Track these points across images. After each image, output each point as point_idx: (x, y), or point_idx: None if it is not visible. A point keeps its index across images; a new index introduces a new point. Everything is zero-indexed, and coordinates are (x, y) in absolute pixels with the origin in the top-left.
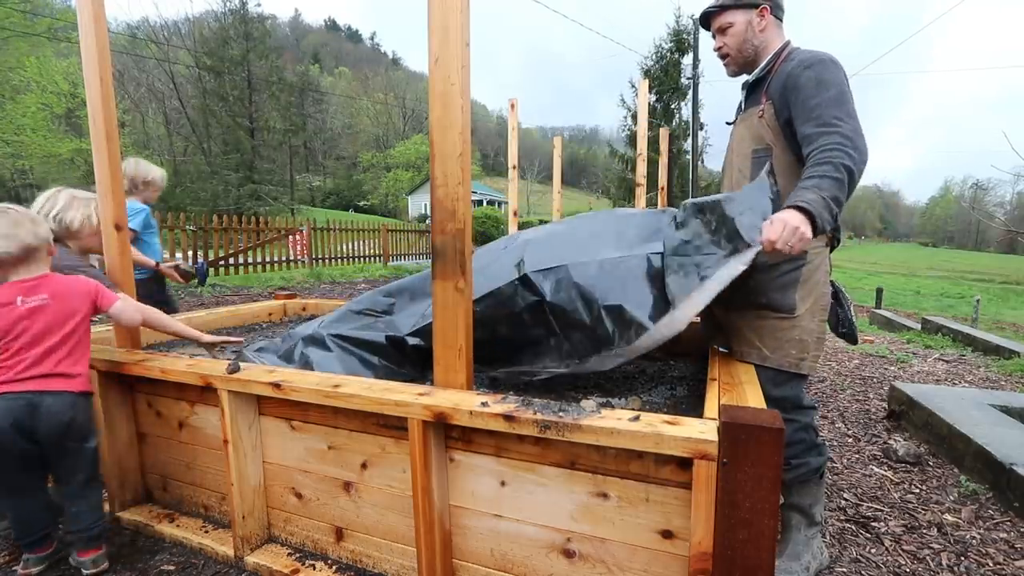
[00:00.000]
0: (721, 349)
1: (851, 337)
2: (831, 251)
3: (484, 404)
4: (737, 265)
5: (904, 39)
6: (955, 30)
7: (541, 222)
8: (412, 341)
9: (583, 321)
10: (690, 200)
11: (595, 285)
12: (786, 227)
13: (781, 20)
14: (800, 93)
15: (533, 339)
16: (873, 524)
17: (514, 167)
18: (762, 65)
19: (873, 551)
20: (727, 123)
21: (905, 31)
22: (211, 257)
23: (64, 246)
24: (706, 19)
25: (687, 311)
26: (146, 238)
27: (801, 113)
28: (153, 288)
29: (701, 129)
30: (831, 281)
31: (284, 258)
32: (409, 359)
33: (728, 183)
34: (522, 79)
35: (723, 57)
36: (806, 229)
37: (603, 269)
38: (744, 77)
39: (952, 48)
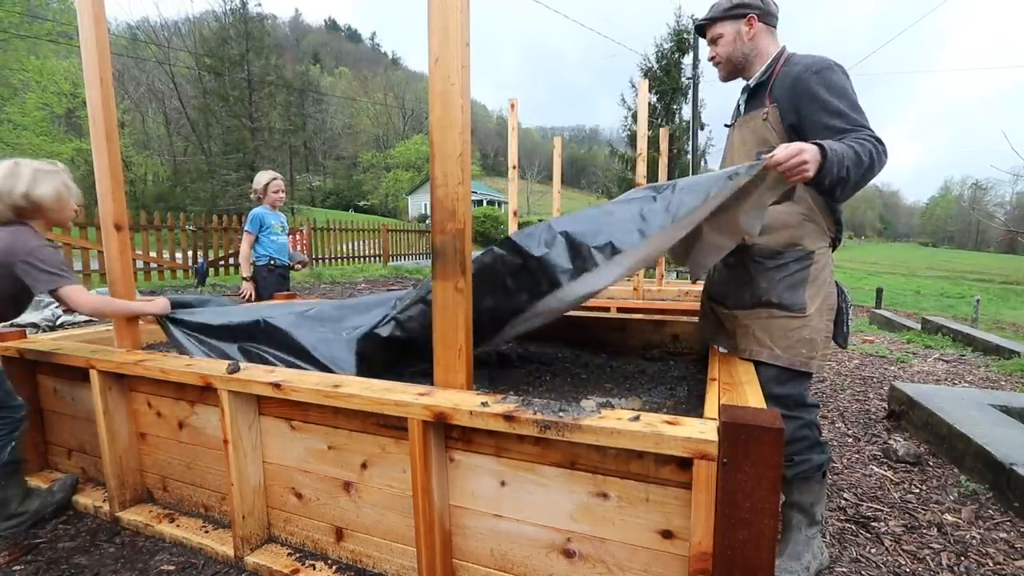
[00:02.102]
0: (721, 349)
1: (843, 340)
2: (832, 250)
3: (484, 404)
4: (740, 175)
5: (903, 28)
6: (961, 30)
7: (540, 221)
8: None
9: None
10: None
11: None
12: (795, 153)
13: (774, 27)
14: (817, 98)
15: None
16: (873, 524)
17: (514, 167)
18: (761, 70)
19: (873, 551)
20: (725, 125)
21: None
22: (211, 257)
23: (24, 224)
24: (701, 30)
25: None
26: (262, 236)
27: (821, 115)
28: (272, 279)
29: (702, 128)
30: (835, 282)
31: None
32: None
33: None
34: (522, 78)
35: (716, 65)
36: (811, 162)
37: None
38: (741, 81)
39: (959, 48)
